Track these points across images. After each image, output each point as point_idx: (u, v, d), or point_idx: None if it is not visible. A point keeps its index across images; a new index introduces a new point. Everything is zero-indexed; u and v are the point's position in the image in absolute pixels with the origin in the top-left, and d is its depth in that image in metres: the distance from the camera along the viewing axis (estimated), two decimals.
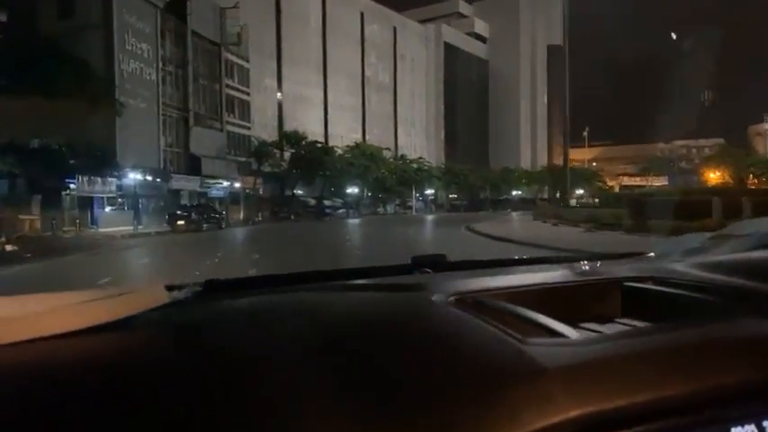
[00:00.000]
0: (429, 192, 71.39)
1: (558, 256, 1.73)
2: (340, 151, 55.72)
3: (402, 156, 67.11)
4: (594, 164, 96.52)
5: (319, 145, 52.60)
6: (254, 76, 51.77)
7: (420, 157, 70.48)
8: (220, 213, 36.73)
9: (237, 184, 45.38)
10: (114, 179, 32.67)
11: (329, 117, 65.97)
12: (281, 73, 59.61)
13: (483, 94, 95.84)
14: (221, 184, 43.66)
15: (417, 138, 78.79)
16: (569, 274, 1.17)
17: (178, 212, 32.55)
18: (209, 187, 42.92)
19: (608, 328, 0.88)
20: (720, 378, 0.65)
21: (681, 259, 1.26)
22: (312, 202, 57.21)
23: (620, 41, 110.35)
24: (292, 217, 48.37)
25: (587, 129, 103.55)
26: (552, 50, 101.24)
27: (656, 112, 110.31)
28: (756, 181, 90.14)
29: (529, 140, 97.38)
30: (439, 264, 1.38)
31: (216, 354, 0.68)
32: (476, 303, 0.87)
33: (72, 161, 27.69)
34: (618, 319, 0.98)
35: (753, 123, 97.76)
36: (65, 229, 27.27)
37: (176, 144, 40.89)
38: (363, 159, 56.19)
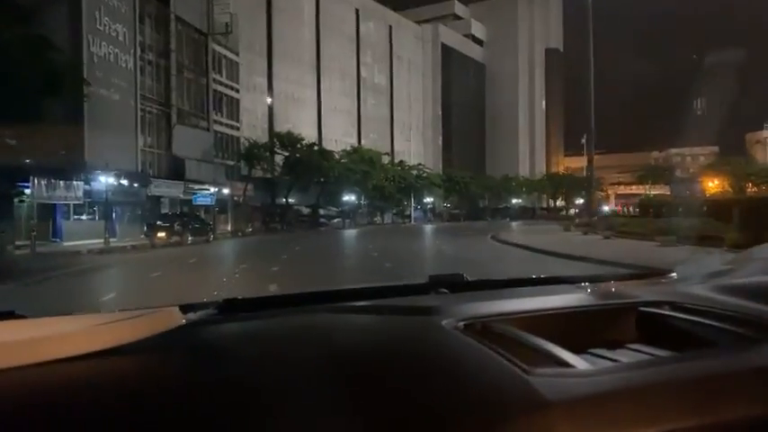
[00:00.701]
0: (427, 200, 67.01)
1: (576, 276, 1.66)
2: (337, 156, 51.04)
3: (401, 162, 62.68)
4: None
5: (316, 148, 47.79)
6: (242, 72, 46.98)
7: (419, 164, 66.16)
8: (207, 224, 31.78)
9: (226, 191, 40.36)
10: (82, 183, 27.44)
11: (323, 120, 61.35)
12: (271, 71, 54.86)
13: (480, 99, 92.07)
14: (208, 190, 38.51)
15: (414, 143, 74.56)
16: (585, 298, 1.17)
17: (158, 223, 27.65)
18: (194, 194, 37.71)
19: (621, 356, 0.85)
20: (737, 411, 0.62)
21: (702, 281, 1.22)
22: (306, 210, 52.57)
23: (617, 49, 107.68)
24: (284, 227, 43.73)
25: (585, 136, 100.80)
26: (550, 54, 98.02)
27: (650, 121, 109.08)
28: (756, 189, 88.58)
29: (527, 147, 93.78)
30: (456, 283, 1.38)
31: (230, 377, 0.69)
32: (485, 330, 0.89)
33: (27, 160, 22.47)
34: (633, 346, 0.95)
35: (751, 131, 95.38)
36: (18, 243, 22.05)
37: (157, 144, 35.76)
38: (362, 165, 51.57)
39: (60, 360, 0.66)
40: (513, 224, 51.71)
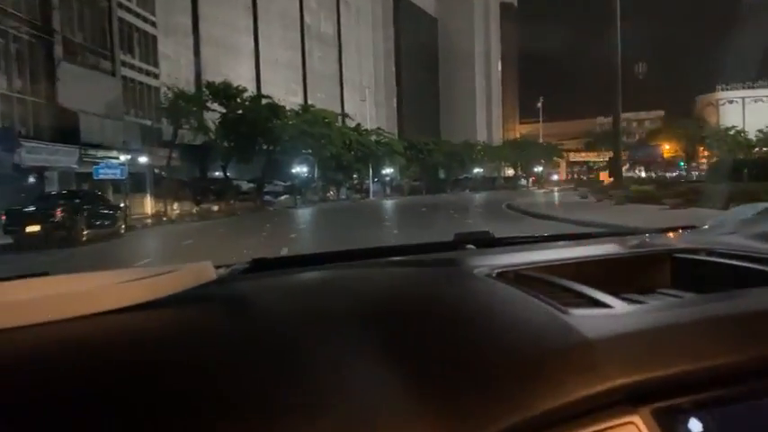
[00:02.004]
0: (386, 171, 57.53)
1: (603, 231, 1.58)
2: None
3: (357, 125, 52.63)
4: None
5: (266, 102, 36.91)
6: (160, 10, 35.39)
7: (378, 128, 56.49)
8: (116, 207, 20.76)
9: (142, 160, 28.98)
10: None
11: (262, 74, 50.20)
12: (197, 10, 43.21)
13: (433, 58, 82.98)
14: (116, 159, 27.01)
15: (366, 105, 64.50)
16: (617, 248, 1.15)
17: (29, 209, 16.44)
18: (95, 164, 25.97)
19: (656, 300, 0.84)
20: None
21: (734, 231, 1.21)
22: (247, 186, 42.01)
23: (562, 16, 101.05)
24: (219, 208, 33.30)
25: (542, 99, 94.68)
26: (505, 9, 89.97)
27: (593, 87, 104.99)
28: (708, 153, 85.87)
29: (485, 113, 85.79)
30: (482, 240, 1.35)
31: (261, 328, 0.69)
32: (518, 276, 0.87)
33: None
34: (668, 291, 0.96)
35: (703, 93, 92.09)
36: None
37: (31, 89, 24.03)
38: (318, 127, 41.31)
39: (93, 315, 0.67)
40: (486, 195, 43.49)
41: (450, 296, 0.82)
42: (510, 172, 79.73)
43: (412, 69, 75.12)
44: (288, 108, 42.14)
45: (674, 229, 1.50)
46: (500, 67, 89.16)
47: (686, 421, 0.55)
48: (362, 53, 66.70)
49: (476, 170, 70.26)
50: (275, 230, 19.71)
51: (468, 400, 0.52)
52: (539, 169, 79.96)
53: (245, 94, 35.44)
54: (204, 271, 0.78)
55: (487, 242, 1.37)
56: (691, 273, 0.99)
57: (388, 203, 42.84)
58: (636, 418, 0.54)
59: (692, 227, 1.49)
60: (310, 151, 42.84)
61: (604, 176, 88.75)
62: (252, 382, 0.54)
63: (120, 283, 0.73)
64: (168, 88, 32.32)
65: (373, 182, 55.23)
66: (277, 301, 0.83)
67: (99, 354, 0.61)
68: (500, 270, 0.89)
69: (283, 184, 46.52)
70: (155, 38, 33.79)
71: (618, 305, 0.71)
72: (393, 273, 1.03)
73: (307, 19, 57.64)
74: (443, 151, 63.11)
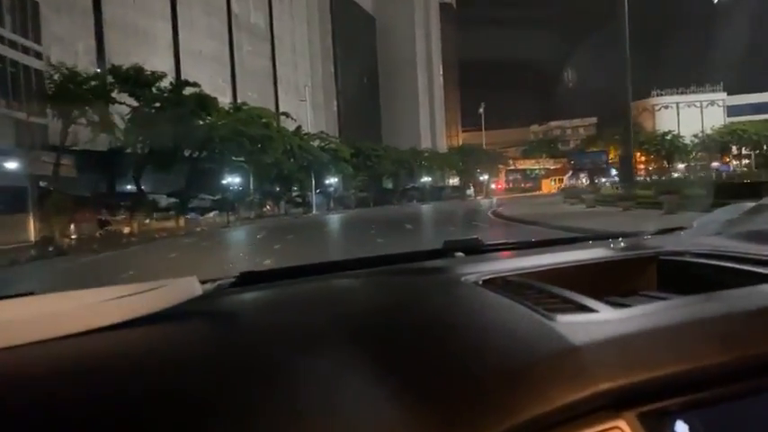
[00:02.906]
0: (329, 181, 50.58)
1: (592, 235, 1.65)
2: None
3: (298, 128, 45.43)
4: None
5: (195, 91, 28.97)
6: None
7: (322, 132, 49.51)
8: None
9: (12, 166, 20.62)
10: None
11: (183, 68, 42.09)
12: None
13: (372, 59, 76.83)
14: None
15: (306, 106, 57.22)
16: (603, 252, 1.16)
17: None
18: None
19: (642, 303, 0.83)
20: (758, 348, 0.62)
21: (720, 232, 1.23)
22: (166, 201, 34.04)
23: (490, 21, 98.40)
24: (131, 230, 25.30)
25: (483, 105, 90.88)
26: (445, 10, 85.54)
27: (525, 96, 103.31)
28: (645, 158, 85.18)
29: (428, 117, 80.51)
30: (471, 247, 1.36)
31: (246, 344, 0.69)
32: (505, 283, 0.88)
33: None
34: (655, 294, 0.96)
35: (638, 99, 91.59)
36: None
37: None
38: (255, 128, 33.89)
39: (78, 334, 0.67)
40: (438, 207, 38.18)
41: (438, 305, 0.82)
42: (452, 181, 74.90)
43: (351, 71, 68.75)
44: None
45: (661, 232, 1.51)
46: (441, 71, 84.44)
47: (672, 424, 0.56)
48: (298, 50, 59.61)
49: (423, 179, 64.59)
50: (210, 263, 13.19)
51: (456, 409, 0.52)
52: (484, 177, 75.78)
53: (164, 83, 27.45)
54: (189, 286, 0.78)
55: (476, 249, 1.36)
56: (676, 275, 1.00)
57: (336, 219, 36.08)
58: (621, 423, 0.55)
59: (680, 228, 1.49)
60: (243, 159, 35.41)
61: (547, 185, 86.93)
62: (238, 398, 0.54)
63: (104, 300, 0.73)
64: (55, 68, 23.86)
65: (315, 193, 48.22)
66: (262, 316, 0.83)
67: (85, 373, 0.61)
68: (487, 277, 0.90)
69: (212, 198, 38.72)
70: (36, 5, 25.33)
71: (603, 310, 0.71)
72: (381, 283, 1.04)
73: (234, 7, 50.00)
74: (391, 159, 56.91)
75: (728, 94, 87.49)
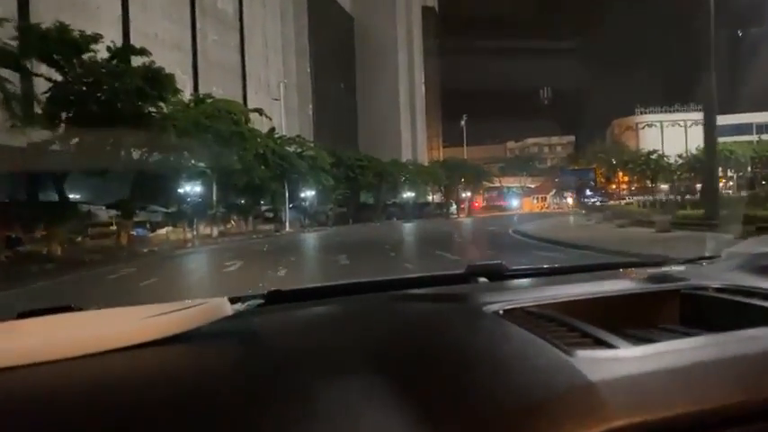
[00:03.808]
0: (306, 194, 43.59)
1: (618, 262, 1.65)
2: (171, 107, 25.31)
3: (272, 130, 38.38)
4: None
5: (144, 62, 21.28)
6: None
7: (299, 136, 42.58)
8: None
9: None
10: None
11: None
12: None
13: (350, 63, 70.35)
14: None
15: (280, 107, 50.04)
16: (627, 282, 1.16)
17: None
18: None
19: (663, 339, 0.83)
20: None
21: (747, 264, 1.19)
22: (105, 215, 26.65)
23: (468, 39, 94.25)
24: (49, 252, 17.94)
25: (465, 117, 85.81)
26: (427, 14, 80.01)
27: (503, 111, 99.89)
28: (627, 178, 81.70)
29: (409, 128, 74.26)
30: (494, 272, 1.36)
31: (273, 365, 0.72)
32: (526, 314, 0.89)
33: None
34: (677, 329, 0.95)
35: (621, 116, 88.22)
36: None
37: None
38: (225, 124, 26.75)
39: (114, 350, 0.71)
40: (424, 226, 32.21)
41: (458, 334, 0.83)
42: (432, 197, 68.99)
43: (328, 73, 62.14)
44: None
45: (689, 261, 1.49)
46: (423, 80, 78.67)
47: None
48: (270, 44, 52.65)
49: (406, 195, 58.20)
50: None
51: None
52: (467, 194, 70.16)
53: (101, 53, 20.09)
54: (220, 306, 0.81)
55: (499, 275, 1.35)
56: (699, 309, 0.99)
57: (315, 239, 29.31)
58: None
59: (709, 258, 1.45)
60: (205, 163, 28.23)
61: (528, 203, 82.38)
62: (263, 418, 0.56)
63: (140, 319, 0.76)
64: None
65: (289, 208, 41.19)
66: (288, 337, 0.86)
67: (117, 390, 0.63)
68: (508, 307, 0.91)
69: (165, 210, 31.35)
70: None
71: (621, 345, 0.72)
72: (403, 308, 1.05)
73: None
74: (375, 170, 50.30)
75: None
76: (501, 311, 0.89)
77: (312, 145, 42.63)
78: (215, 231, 32.10)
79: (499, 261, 1.44)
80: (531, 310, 0.90)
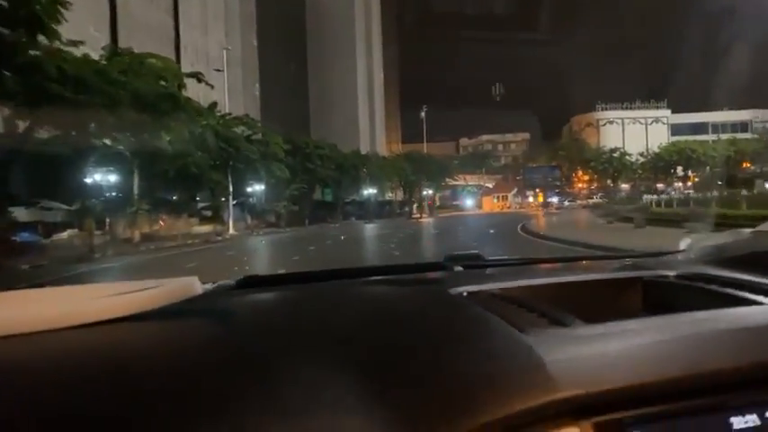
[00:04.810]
0: (254, 188, 35.63)
1: (586, 255, 1.75)
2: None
3: (213, 105, 30.05)
4: None
5: None
6: None
7: (247, 115, 34.50)
8: None
9: None
10: None
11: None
12: None
13: (300, 37, 62.05)
14: None
15: (218, 83, 41.43)
16: (594, 271, 1.21)
17: None
18: None
19: (617, 321, 0.86)
20: (722, 365, 0.65)
21: (711, 257, 1.24)
22: None
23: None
24: None
25: (424, 108, 79.55)
26: None
27: (457, 107, 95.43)
28: (587, 176, 78.39)
29: (367, 118, 66.78)
30: (471, 261, 1.40)
31: (237, 344, 0.73)
32: (489, 297, 0.93)
33: None
34: (636, 314, 0.99)
35: (581, 113, 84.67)
36: None
37: None
38: (149, 83, 18.64)
39: (78, 326, 0.71)
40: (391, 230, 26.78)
41: (419, 316, 0.86)
42: (390, 195, 62.34)
43: (277, 50, 53.91)
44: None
45: (655, 254, 1.54)
46: (382, 64, 71.50)
47: None
48: (211, 9, 43.98)
49: (367, 192, 51.00)
50: None
51: (424, 413, 0.56)
52: (428, 192, 63.89)
53: None
54: (190, 286, 0.81)
55: (475, 264, 1.39)
56: (660, 297, 1.03)
57: (269, 248, 21.91)
58: (576, 431, 0.58)
59: (676, 251, 1.49)
60: (121, 146, 20.21)
61: (488, 203, 77.28)
62: (224, 396, 0.57)
63: (108, 296, 0.76)
64: None
65: (233, 204, 33.23)
66: (255, 318, 0.87)
67: (82, 365, 0.64)
68: (474, 291, 0.95)
69: (67, 207, 22.97)
70: None
71: (575, 325, 0.75)
72: (372, 292, 1.08)
73: None
74: (336, 162, 42.73)
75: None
76: (465, 293, 0.94)
77: (263, 128, 34.57)
78: (136, 234, 23.90)
79: (476, 251, 1.45)
80: (495, 293, 0.94)
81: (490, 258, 1.48)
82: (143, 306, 0.75)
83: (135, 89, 16.97)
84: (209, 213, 33.96)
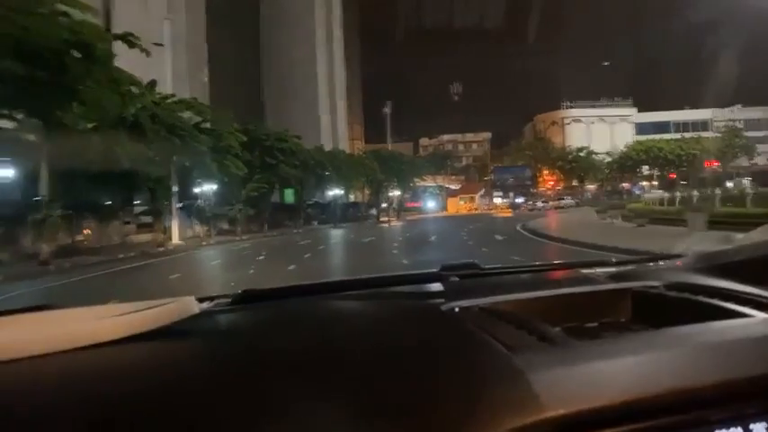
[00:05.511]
0: (203, 187, 29.55)
1: (583, 261, 1.75)
2: None
3: (152, 84, 23.85)
4: None
5: None
6: None
7: (195, 99, 28.37)
8: None
9: None
10: None
11: None
12: None
13: (252, 18, 55.71)
14: None
15: (155, 63, 34.69)
16: (583, 281, 1.22)
17: None
18: None
19: (610, 335, 0.90)
20: (710, 380, 0.65)
21: (703, 264, 1.24)
22: None
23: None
24: None
25: (388, 104, 74.70)
26: None
27: (416, 106, 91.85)
28: (554, 176, 75.94)
29: (329, 112, 60.90)
30: (467, 271, 1.43)
31: (235, 362, 0.75)
32: (479, 312, 0.95)
33: None
34: (625, 326, 1.03)
35: (546, 111, 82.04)
36: None
37: None
38: (52, 26, 12.66)
39: (84, 348, 0.73)
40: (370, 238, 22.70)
41: (410, 334, 0.87)
42: (360, 196, 57.41)
43: (227, 32, 47.52)
44: None
45: (647, 259, 1.58)
46: (343, 54, 65.87)
47: None
48: None
49: (332, 192, 45.45)
50: None
51: (410, 428, 0.57)
52: (395, 193, 59.15)
53: None
54: (188, 305, 0.83)
55: (471, 273, 1.41)
56: (649, 307, 1.04)
57: (225, 265, 16.39)
58: None
59: (670, 257, 1.49)
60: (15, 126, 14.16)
61: (453, 204, 73.34)
62: (221, 415, 0.58)
63: (107, 317, 0.78)
64: None
65: (178, 208, 27.14)
66: (252, 336, 0.89)
67: (85, 386, 0.66)
68: (465, 305, 0.97)
69: None
70: None
71: (563, 341, 0.76)
72: (364, 308, 1.09)
73: None
74: (300, 158, 36.88)
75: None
76: (457, 309, 0.96)
77: (212, 113, 28.49)
78: (45, 250, 17.67)
79: (472, 260, 1.48)
80: (486, 307, 0.96)
81: (486, 267, 1.48)
82: (142, 327, 0.76)
83: (24, 27, 11.01)
84: (149, 219, 27.84)
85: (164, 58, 32.51)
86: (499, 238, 20.51)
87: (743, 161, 68.62)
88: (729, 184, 46.55)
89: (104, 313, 0.79)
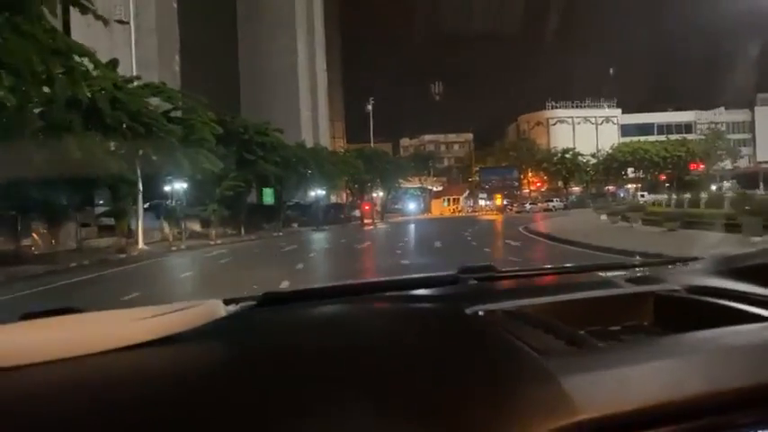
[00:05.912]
0: (172, 186, 26.23)
1: (600, 264, 1.74)
2: None
3: (114, 63, 20.54)
4: None
5: None
6: None
7: (163, 83, 25.05)
8: None
9: None
10: None
11: None
12: None
13: (228, 7, 52.31)
14: None
15: (119, 45, 31.17)
16: (608, 285, 1.23)
17: None
18: None
19: (634, 339, 0.90)
20: (736, 384, 0.66)
21: (724, 267, 1.22)
22: None
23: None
24: None
25: (371, 100, 71.78)
26: None
27: (397, 106, 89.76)
28: (539, 178, 74.25)
29: (309, 107, 57.64)
30: (485, 273, 1.43)
31: (262, 364, 0.76)
32: (505, 316, 0.95)
33: None
34: (647, 329, 1.03)
35: (531, 111, 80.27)
36: None
37: None
38: None
39: (112, 351, 0.74)
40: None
41: (436, 338, 0.87)
42: (342, 197, 54.55)
43: (201, 19, 44.13)
44: None
45: (667, 261, 1.57)
46: (325, 47, 62.73)
47: None
48: None
49: (314, 193, 42.37)
50: None
51: (437, 430, 0.58)
52: (379, 194, 56.48)
53: None
54: (214, 308, 0.85)
55: (489, 276, 1.41)
56: (671, 311, 1.04)
57: (198, 276, 13.39)
58: None
59: (690, 259, 1.48)
60: None
61: (438, 206, 70.92)
62: (252, 417, 0.59)
63: (135, 320, 0.79)
64: None
65: (144, 209, 23.83)
66: (276, 339, 0.90)
67: (114, 389, 0.67)
68: (489, 309, 0.98)
69: None
70: None
71: (590, 345, 0.77)
72: (389, 311, 1.09)
73: None
74: (281, 155, 33.67)
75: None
76: (481, 313, 0.96)
77: (184, 99, 25.25)
78: None
79: (489, 263, 1.50)
80: (509, 311, 0.97)
81: (503, 270, 1.48)
82: (173, 329, 0.78)
83: None
84: (111, 221, 24.49)
85: (128, 38, 28.93)
86: (513, 243, 17.85)
87: (727, 164, 68.03)
88: (713, 187, 45.98)
89: (132, 316, 0.80)
